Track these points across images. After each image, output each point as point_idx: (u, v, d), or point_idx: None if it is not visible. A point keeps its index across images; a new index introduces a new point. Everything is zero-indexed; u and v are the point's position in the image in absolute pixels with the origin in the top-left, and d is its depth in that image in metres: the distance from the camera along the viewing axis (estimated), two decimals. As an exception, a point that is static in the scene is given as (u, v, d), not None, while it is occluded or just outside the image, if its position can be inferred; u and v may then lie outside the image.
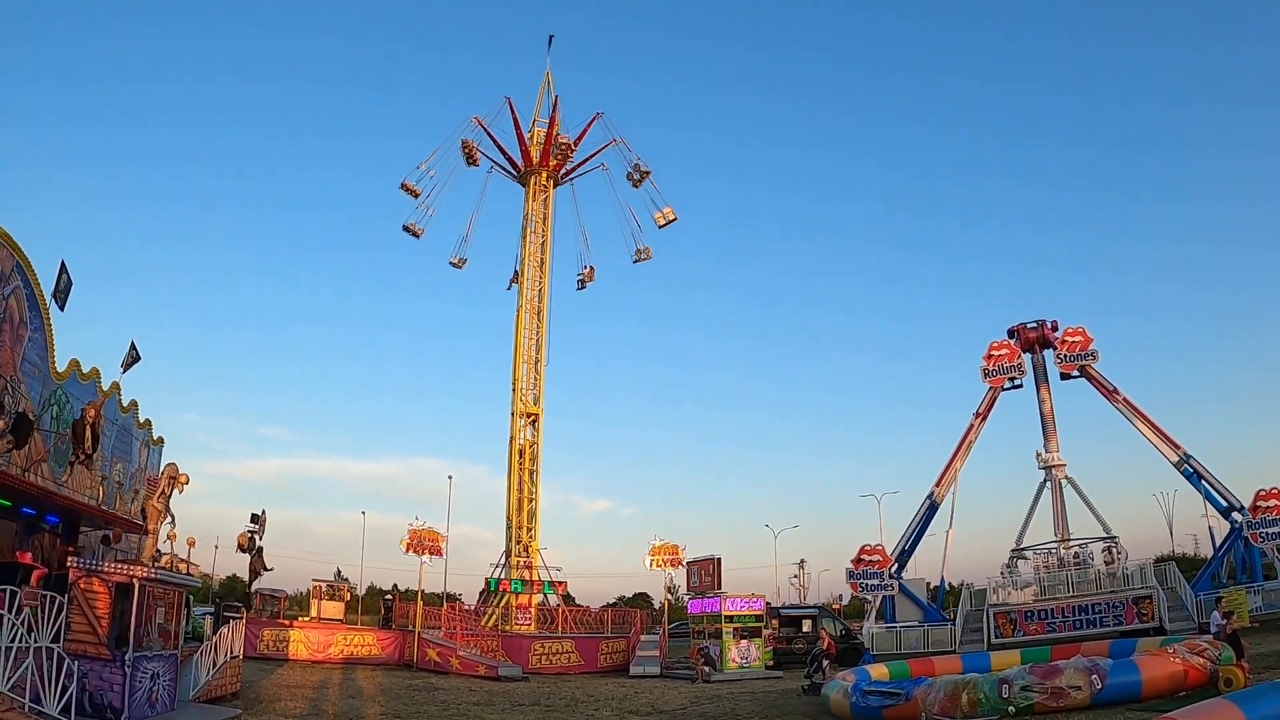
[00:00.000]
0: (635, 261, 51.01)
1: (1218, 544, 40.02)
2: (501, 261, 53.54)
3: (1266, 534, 35.70)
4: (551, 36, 53.32)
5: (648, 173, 49.88)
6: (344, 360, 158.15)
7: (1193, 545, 59.45)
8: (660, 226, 50.23)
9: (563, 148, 49.41)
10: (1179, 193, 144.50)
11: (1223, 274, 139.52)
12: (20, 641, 11.76)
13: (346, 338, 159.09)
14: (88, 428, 20.89)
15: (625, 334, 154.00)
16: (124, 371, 26.58)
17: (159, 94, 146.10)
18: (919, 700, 16.28)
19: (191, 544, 19.15)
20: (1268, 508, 35.87)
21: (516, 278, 50.12)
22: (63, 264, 21.48)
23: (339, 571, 78.52)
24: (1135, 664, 16.24)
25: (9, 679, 11.10)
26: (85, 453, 21.46)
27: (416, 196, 48.67)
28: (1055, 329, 44.87)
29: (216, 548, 67.39)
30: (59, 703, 12.05)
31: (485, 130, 48.87)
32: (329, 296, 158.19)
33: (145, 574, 14.77)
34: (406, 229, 49.14)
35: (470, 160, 48.57)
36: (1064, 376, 44.69)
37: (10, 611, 11.80)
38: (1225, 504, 39.13)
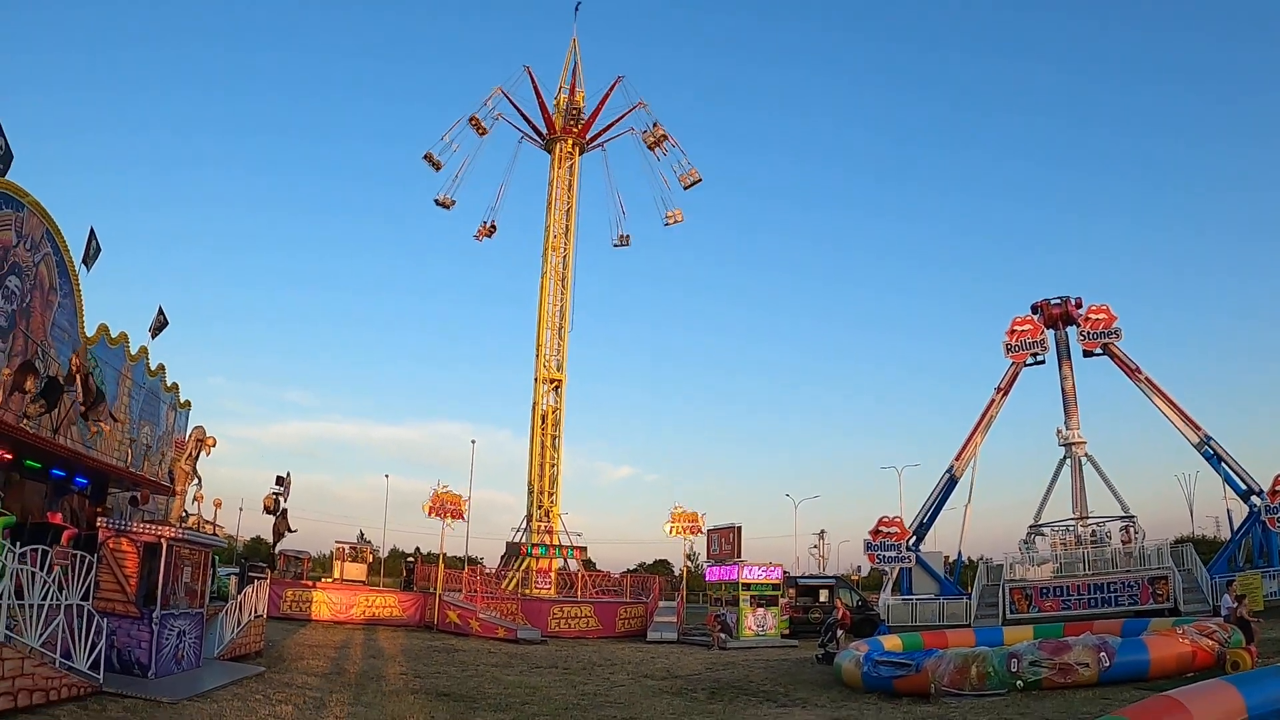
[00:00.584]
0: (666, 225, 51.21)
1: (1236, 527, 39.82)
2: (530, 229, 53.63)
3: (1285, 518, 35.52)
4: (579, 4, 53.03)
5: (665, 135, 49.65)
6: (368, 326, 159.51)
7: (1214, 527, 59.05)
8: (685, 188, 50.19)
9: (578, 114, 49.32)
10: (1194, 182, 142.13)
11: (1242, 261, 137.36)
12: (51, 599, 12.16)
13: (371, 303, 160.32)
14: (76, 376, 21.06)
15: (650, 301, 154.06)
16: (152, 336, 27.11)
17: (186, 60, 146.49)
18: (929, 672, 16.40)
19: (218, 505, 19.43)
20: (1286, 492, 35.69)
21: (489, 230, 50.74)
22: (91, 231, 21.89)
23: (362, 534, 79.53)
24: (1144, 643, 16.25)
25: (41, 635, 11.50)
26: (79, 402, 21.56)
27: (439, 169, 49.01)
28: (1079, 306, 44.50)
29: (241, 510, 68.47)
30: (88, 658, 12.46)
31: (509, 100, 48.98)
32: (353, 263, 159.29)
33: (173, 534, 15.12)
34: (438, 202, 49.73)
35: (479, 130, 48.93)
36: (1086, 354, 44.41)
37: (42, 570, 12.19)
38: (1245, 487, 38.85)
